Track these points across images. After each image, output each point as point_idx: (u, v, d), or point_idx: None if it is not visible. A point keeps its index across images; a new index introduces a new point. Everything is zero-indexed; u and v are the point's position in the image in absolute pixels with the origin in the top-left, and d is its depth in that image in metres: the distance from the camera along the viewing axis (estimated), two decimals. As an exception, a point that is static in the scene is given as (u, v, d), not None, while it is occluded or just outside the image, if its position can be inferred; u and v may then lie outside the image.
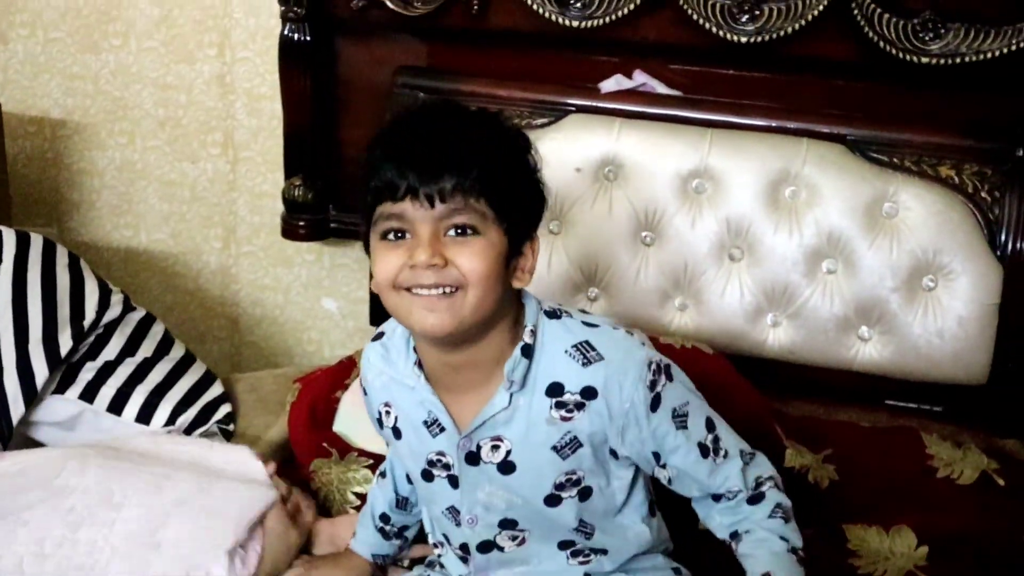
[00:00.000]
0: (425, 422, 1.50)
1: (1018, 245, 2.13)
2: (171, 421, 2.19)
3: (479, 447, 1.47)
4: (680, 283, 2.23)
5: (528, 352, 1.43)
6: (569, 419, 1.43)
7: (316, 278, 2.84)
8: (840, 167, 2.17)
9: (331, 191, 2.59)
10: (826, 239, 2.17)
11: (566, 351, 1.43)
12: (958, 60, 2.13)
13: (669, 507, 1.63)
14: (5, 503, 1.73)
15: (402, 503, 1.73)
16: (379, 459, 1.97)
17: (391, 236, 1.38)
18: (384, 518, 1.74)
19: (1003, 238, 2.14)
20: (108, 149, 2.86)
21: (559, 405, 1.43)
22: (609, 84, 2.34)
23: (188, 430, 2.21)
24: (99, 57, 2.77)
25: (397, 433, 1.55)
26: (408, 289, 1.36)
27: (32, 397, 2.12)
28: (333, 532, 1.87)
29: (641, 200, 2.20)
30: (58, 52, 2.79)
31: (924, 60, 2.15)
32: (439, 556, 1.65)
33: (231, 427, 2.25)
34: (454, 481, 1.51)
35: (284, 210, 2.61)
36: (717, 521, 1.52)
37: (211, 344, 2.94)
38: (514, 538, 1.53)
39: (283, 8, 2.40)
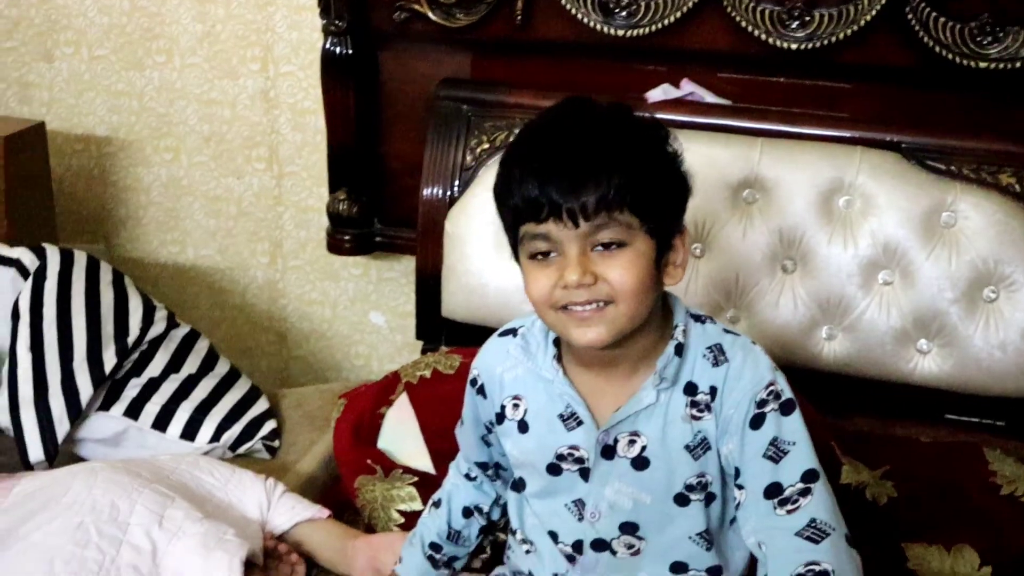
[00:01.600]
0: (561, 415, 1.49)
1: (1082, 254, 2.06)
2: (216, 438, 2.18)
3: (616, 441, 1.46)
4: (731, 295, 2.18)
5: (680, 351, 1.43)
6: (699, 419, 1.43)
7: (363, 292, 2.82)
8: (896, 176, 2.11)
9: (376, 205, 2.57)
10: (882, 249, 2.11)
11: (703, 353, 1.44)
12: (1018, 64, 2.07)
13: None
14: (19, 524, 1.72)
15: (454, 536, 1.70)
16: (424, 476, 1.94)
17: (539, 256, 1.38)
18: (434, 547, 1.70)
19: (1066, 247, 2.07)
20: (154, 165, 2.86)
21: (693, 404, 1.43)
22: (656, 94, 2.30)
23: (233, 446, 2.19)
24: (143, 74, 2.77)
25: (523, 427, 1.53)
26: (564, 307, 1.38)
27: (77, 414, 2.12)
28: (372, 555, 1.83)
29: (690, 210, 2.12)
30: (103, 70, 2.80)
31: (982, 65, 2.09)
32: (528, 551, 1.59)
33: (276, 443, 2.23)
34: (585, 474, 1.49)
35: (329, 224, 2.59)
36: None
37: (259, 359, 2.93)
38: (630, 546, 1.49)
39: (324, 22, 2.38)
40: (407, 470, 1.96)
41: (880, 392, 2.19)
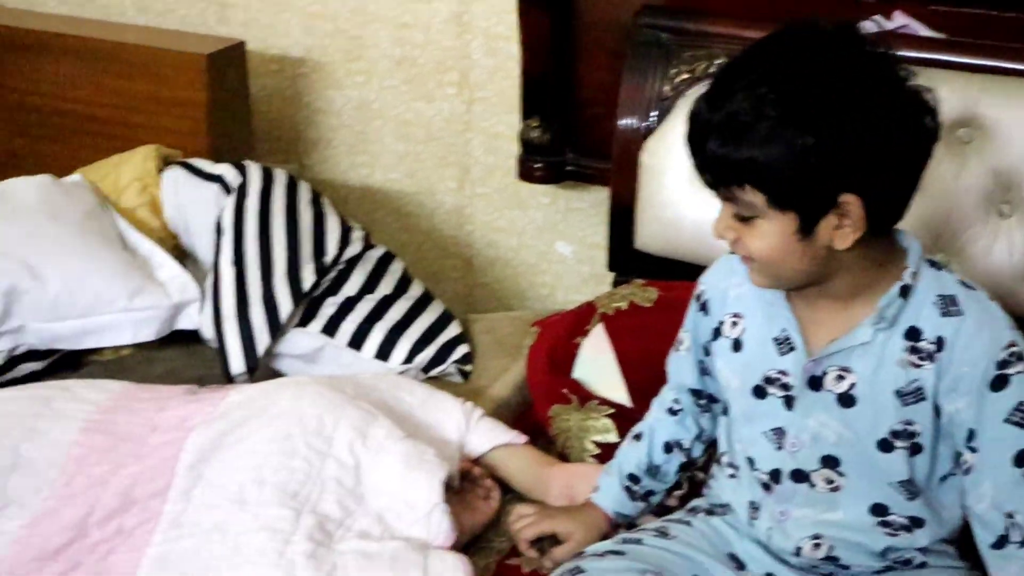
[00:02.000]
0: (776, 338, 1.49)
1: None
2: (409, 359, 2.21)
3: (824, 373, 1.45)
4: (941, 237, 2.09)
5: (905, 293, 1.40)
6: (919, 367, 1.40)
7: (551, 222, 2.82)
8: None
9: (568, 134, 2.55)
10: (1112, 194, 2.00)
11: (932, 300, 1.40)
12: None
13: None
14: (230, 431, 1.78)
15: (654, 470, 1.70)
16: (620, 408, 1.94)
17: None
18: (633, 478, 1.71)
19: None
20: (345, 88, 2.89)
21: (913, 351, 1.40)
22: (868, 26, 2.21)
23: (426, 368, 2.22)
24: (338, -4, 2.79)
25: (737, 345, 1.54)
26: None
27: (277, 329, 2.18)
28: (568, 482, 1.84)
29: None
30: (298, -10, 2.83)
31: None
32: (731, 475, 1.59)
33: (468, 367, 2.25)
34: (789, 402, 1.48)
35: (521, 151, 2.59)
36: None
37: (445, 284, 2.96)
38: (830, 481, 1.48)
39: (524, -54, 2.36)
40: (603, 402, 1.95)
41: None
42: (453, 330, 2.29)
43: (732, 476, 1.59)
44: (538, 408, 2.02)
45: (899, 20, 2.23)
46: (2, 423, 1.79)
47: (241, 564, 1.59)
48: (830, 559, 1.50)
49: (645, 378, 1.87)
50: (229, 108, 2.69)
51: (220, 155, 2.52)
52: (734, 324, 1.54)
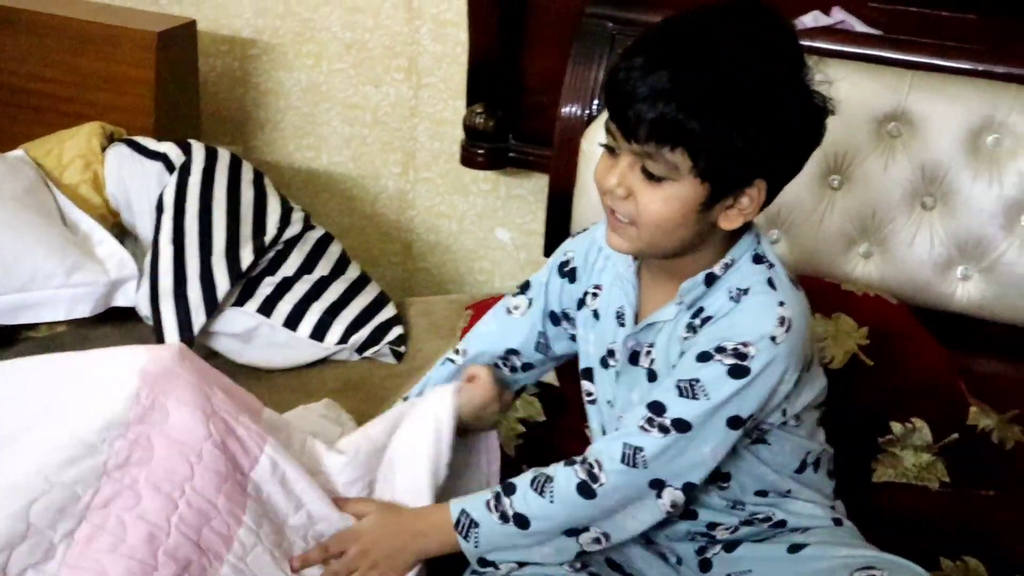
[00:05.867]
0: (616, 312, 1.53)
1: None
2: (344, 339, 2.23)
3: (640, 348, 1.49)
4: (867, 229, 2.14)
5: (711, 281, 1.43)
6: (687, 339, 1.44)
7: (491, 208, 2.84)
8: (1050, 116, 2.05)
9: (512, 120, 2.57)
10: (1030, 191, 2.05)
11: (729, 288, 1.42)
12: None
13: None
14: None
15: (542, 347, 1.69)
16: (548, 388, 1.97)
17: (607, 148, 1.39)
18: (512, 352, 1.69)
19: None
20: (295, 70, 2.89)
21: (690, 327, 1.44)
22: (806, 20, 2.25)
23: (360, 349, 2.24)
24: (290, -23, 2.80)
25: (596, 315, 1.57)
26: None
27: (214, 307, 2.19)
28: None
29: (831, 141, 2.04)
30: (252, -29, 2.83)
31: None
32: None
33: (402, 348, 2.27)
34: (618, 376, 1.53)
35: (464, 137, 2.61)
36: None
37: (384, 268, 2.97)
38: None
39: (473, -69, 2.38)
40: (531, 382, 1.97)
41: (1012, 336, 2.14)
42: (388, 312, 2.31)
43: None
44: (469, 388, 2.04)
45: (837, 15, 2.27)
46: None
47: None
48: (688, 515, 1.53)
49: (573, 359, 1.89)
50: (178, 87, 2.69)
51: (166, 134, 2.51)
52: (595, 295, 1.58)
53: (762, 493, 1.53)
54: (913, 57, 2.15)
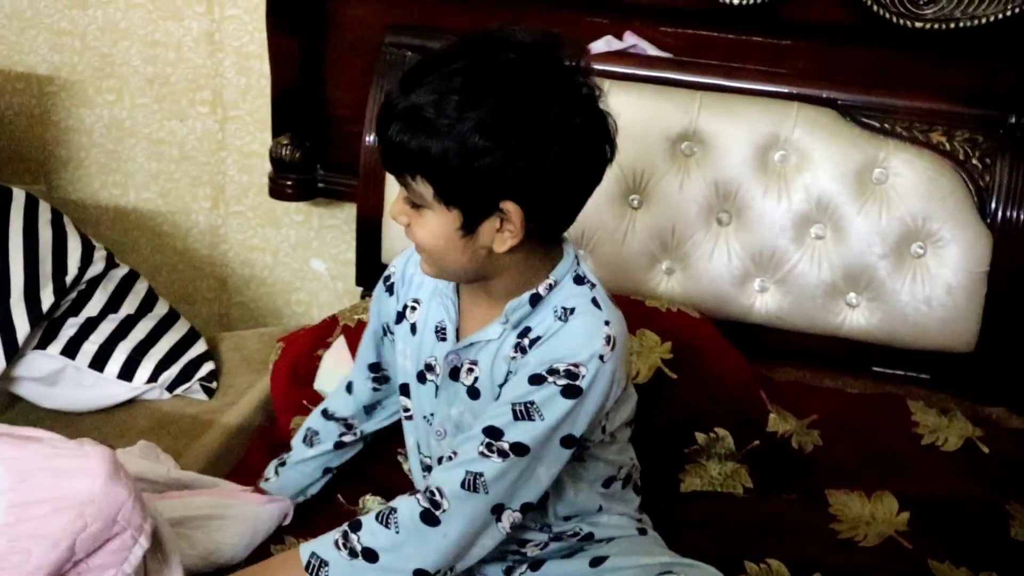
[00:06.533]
0: (436, 327, 1.54)
1: (1008, 213, 2.11)
2: (153, 378, 2.19)
3: (461, 365, 1.51)
4: (668, 246, 2.21)
5: (535, 302, 1.45)
6: (515, 358, 1.46)
7: (305, 239, 2.82)
8: (831, 132, 2.15)
9: (319, 151, 2.57)
10: (815, 204, 2.15)
11: (555, 308, 1.44)
12: (952, 25, 2.11)
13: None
14: None
15: (370, 409, 1.77)
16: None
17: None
18: (348, 425, 1.78)
19: (993, 206, 2.12)
20: (96, 106, 2.83)
21: (518, 347, 1.45)
22: (599, 45, 2.31)
23: (171, 387, 2.20)
24: (86, 13, 2.74)
25: (413, 329, 1.58)
26: None
27: (13, 353, 2.12)
28: None
29: (629, 162, 2.18)
30: (45, 7, 2.76)
31: (918, 25, 2.13)
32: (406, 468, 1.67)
33: (214, 384, 2.24)
34: (436, 390, 1.55)
35: (271, 169, 2.59)
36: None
37: (200, 304, 2.93)
38: None
39: (271, -36, 2.37)
40: (343, 411, 1.97)
41: (809, 344, 2.23)
42: (199, 348, 2.27)
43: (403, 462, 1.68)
44: (281, 421, 2.03)
45: (629, 40, 2.33)
46: None
47: None
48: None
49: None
50: (-31, 127, 2.61)
51: (-42, 176, 2.44)
52: (413, 309, 1.59)
53: (569, 517, 1.56)
54: (702, 79, 2.23)
